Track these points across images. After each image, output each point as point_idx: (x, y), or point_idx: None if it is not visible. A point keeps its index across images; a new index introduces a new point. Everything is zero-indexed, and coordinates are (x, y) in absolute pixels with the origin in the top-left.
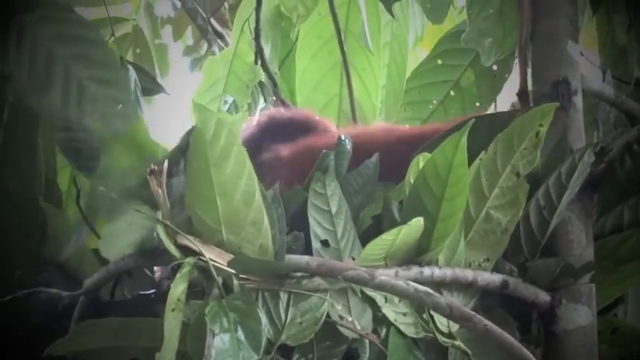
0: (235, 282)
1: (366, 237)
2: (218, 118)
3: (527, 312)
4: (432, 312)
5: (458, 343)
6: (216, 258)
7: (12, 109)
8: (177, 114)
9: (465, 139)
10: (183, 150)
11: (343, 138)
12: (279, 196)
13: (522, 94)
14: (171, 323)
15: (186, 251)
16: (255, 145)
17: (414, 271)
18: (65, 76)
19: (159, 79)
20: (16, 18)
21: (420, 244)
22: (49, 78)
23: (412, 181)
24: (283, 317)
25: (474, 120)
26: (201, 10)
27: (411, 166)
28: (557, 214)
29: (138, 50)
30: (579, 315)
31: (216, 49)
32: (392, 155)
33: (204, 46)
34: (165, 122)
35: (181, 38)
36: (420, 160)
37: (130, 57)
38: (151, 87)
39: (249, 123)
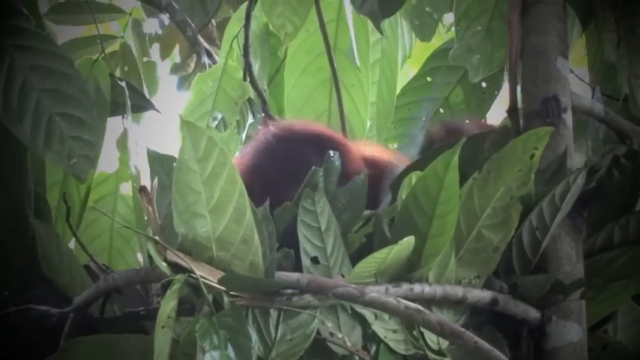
0: (226, 299)
1: (358, 255)
2: (209, 137)
3: (517, 329)
4: (422, 329)
5: None
6: (207, 275)
7: (1, 127)
8: (164, 132)
9: (456, 157)
10: None
11: (332, 154)
12: (269, 213)
13: (512, 111)
14: (161, 340)
15: (177, 268)
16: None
17: (404, 288)
18: (37, 109)
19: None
20: None
21: (411, 262)
22: (21, 109)
23: (403, 198)
24: (273, 334)
25: (465, 139)
26: (191, 22)
27: (403, 184)
28: (549, 234)
29: (126, 68)
30: (569, 332)
31: (205, 60)
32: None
33: (192, 64)
34: (152, 141)
35: (169, 57)
36: (413, 178)
37: (117, 75)
38: (140, 104)
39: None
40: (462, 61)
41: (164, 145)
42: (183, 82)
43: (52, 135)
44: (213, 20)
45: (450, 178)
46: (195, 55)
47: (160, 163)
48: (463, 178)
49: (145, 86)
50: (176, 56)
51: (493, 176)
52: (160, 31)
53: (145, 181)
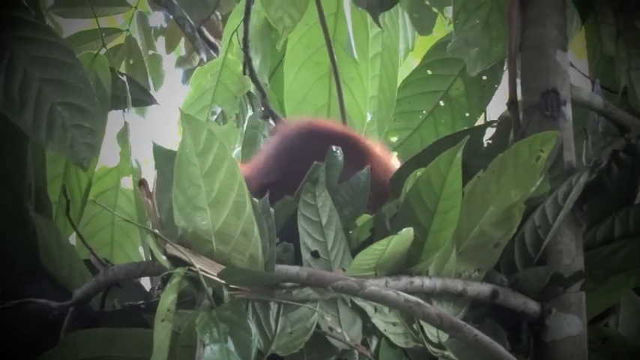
0: (225, 292)
1: (360, 251)
2: (209, 130)
3: (517, 322)
4: (421, 322)
5: (448, 353)
6: (207, 268)
7: (1, 120)
8: (169, 125)
9: (460, 154)
10: None
11: (334, 149)
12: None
13: (512, 103)
14: (161, 333)
15: (176, 261)
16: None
17: (404, 281)
18: (38, 99)
19: (152, 91)
20: None
21: (411, 255)
22: (23, 99)
23: (406, 192)
24: (273, 327)
25: (468, 136)
26: (189, 19)
27: (408, 180)
28: (551, 232)
29: (131, 61)
30: (569, 325)
31: (204, 56)
32: None
33: (197, 57)
34: (156, 134)
35: (175, 50)
36: (417, 174)
37: (123, 68)
38: (142, 98)
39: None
40: (460, 53)
41: (168, 138)
42: (189, 76)
43: (53, 124)
44: (218, 14)
45: (452, 174)
46: None
47: (164, 158)
48: (463, 169)
49: (150, 79)
50: (182, 49)
51: (497, 176)
52: (165, 25)
53: (148, 173)
